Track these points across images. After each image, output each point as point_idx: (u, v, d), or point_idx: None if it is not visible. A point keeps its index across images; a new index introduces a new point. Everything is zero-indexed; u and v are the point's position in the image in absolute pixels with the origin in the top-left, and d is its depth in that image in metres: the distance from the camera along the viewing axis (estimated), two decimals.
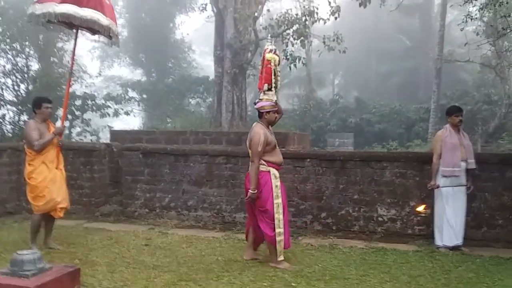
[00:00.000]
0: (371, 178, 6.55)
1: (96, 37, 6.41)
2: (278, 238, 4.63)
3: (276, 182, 4.70)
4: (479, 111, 19.78)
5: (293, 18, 12.90)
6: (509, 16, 10.42)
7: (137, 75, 26.95)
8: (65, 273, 3.00)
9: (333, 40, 13.53)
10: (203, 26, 21.10)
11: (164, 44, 24.25)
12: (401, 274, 4.49)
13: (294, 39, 13.38)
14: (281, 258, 4.67)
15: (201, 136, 10.81)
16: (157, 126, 14.34)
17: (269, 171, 4.72)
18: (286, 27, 13.07)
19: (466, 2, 9.30)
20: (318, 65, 29.23)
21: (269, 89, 4.80)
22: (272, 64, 4.79)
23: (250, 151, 4.78)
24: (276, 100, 4.87)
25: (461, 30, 10.62)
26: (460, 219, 5.59)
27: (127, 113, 20.71)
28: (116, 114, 19.76)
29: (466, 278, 4.38)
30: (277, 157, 4.85)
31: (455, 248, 5.54)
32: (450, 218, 5.54)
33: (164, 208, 7.38)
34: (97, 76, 22.65)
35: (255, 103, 4.93)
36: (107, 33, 5.53)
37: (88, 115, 18.28)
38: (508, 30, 9.51)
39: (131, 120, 23.25)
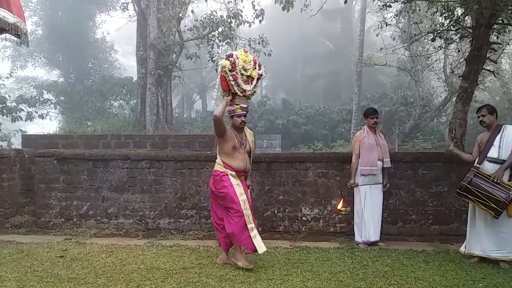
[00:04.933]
0: (295, 178, 6.67)
1: (4, 36, 5.90)
2: (252, 234, 4.62)
3: (235, 181, 4.70)
4: (396, 112, 21.05)
5: (218, 20, 12.87)
6: (421, 22, 11.20)
7: (54, 76, 25.34)
8: None
9: (259, 43, 13.72)
10: (126, 25, 20.30)
11: (83, 43, 23.02)
12: (323, 272, 4.60)
13: (220, 41, 13.36)
14: (263, 249, 4.66)
15: (124, 140, 10.40)
16: (75, 130, 13.53)
17: (226, 173, 4.72)
18: (211, 29, 13.01)
19: (381, 9, 9.84)
20: None
21: (233, 94, 4.72)
22: (221, 69, 4.64)
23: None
24: (240, 105, 4.79)
25: (377, 36, 11.21)
26: (377, 215, 5.87)
27: (41, 117, 19.40)
28: (29, 117, 18.42)
29: (382, 272, 4.58)
30: (237, 162, 4.78)
31: (373, 244, 5.80)
32: (368, 215, 5.80)
33: (82, 217, 6.97)
34: (7, 77, 21.04)
35: None
36: (14, 31, 5.11)
37: None
38: (420, 36, 10.20)
39: (48, 124, 21.83)
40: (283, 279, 4.34)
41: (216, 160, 4.86)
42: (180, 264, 4.87)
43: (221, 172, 4.74)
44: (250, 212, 4.67)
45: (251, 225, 4.63)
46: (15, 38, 5.55)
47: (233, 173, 4.73)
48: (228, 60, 4.64)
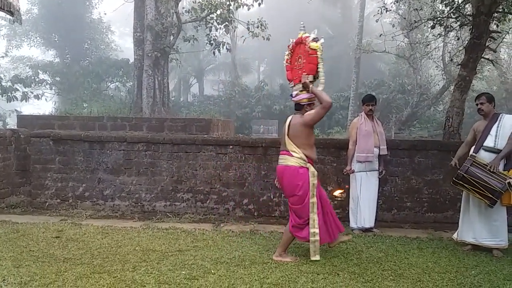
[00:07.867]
0: None
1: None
2: (312, 239, 4.43)
3: (313, 180, 4.44)
4: (394, 100, 21.02)
5: (216, 2, 12.71)
6: (421, 9, 11.13)
7: (49, 56, 25.08)
8: None
9: (257, 27, 13.60)
10: (123, 6, 20.03)
11: (79, 23, 22.74)
12: None
13: (218, 24, 13.23)
14: (316, 257, 4.44)
15: (120, 122, 10.37)
16: (71, 111, 13.42)
17: (308, 168, 4.45)
18: (209, 11, 12.86)
19: None
20: (243, 52, 29.31)
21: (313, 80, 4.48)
22: (319, 53, 4.39)
23: (287, 140, 4.53)
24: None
25: (376, 22, 11.14)
26: (372, 202, 5.89)
27: (37, 97, 19.27)
28: (24, 97, 18.29)
29: (376, 258, 4.62)
30: (315, 153, 4.59)
31: (368, 230, 5.84)
32: (363, 202, 5.82)
33: (77, 198, 6.97)
34: (3, 57, 20.84)
35: (291, 95, 4.66)
36: (7, 7, 5.03)
37: None
38: (420, 23, 10.14)
39: (43, 105, 21.67)
40: (278, 263, 4.36)
41: (294, 155, 4.45)
42: (176, 247, 4.89)
43: (305, 168, 4.42)
44: (316, 216, 4.44)
45: (314, 230, 4.43)
46: (9, 16, 5.47)
47: (313, 168, 4.47)
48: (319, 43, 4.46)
